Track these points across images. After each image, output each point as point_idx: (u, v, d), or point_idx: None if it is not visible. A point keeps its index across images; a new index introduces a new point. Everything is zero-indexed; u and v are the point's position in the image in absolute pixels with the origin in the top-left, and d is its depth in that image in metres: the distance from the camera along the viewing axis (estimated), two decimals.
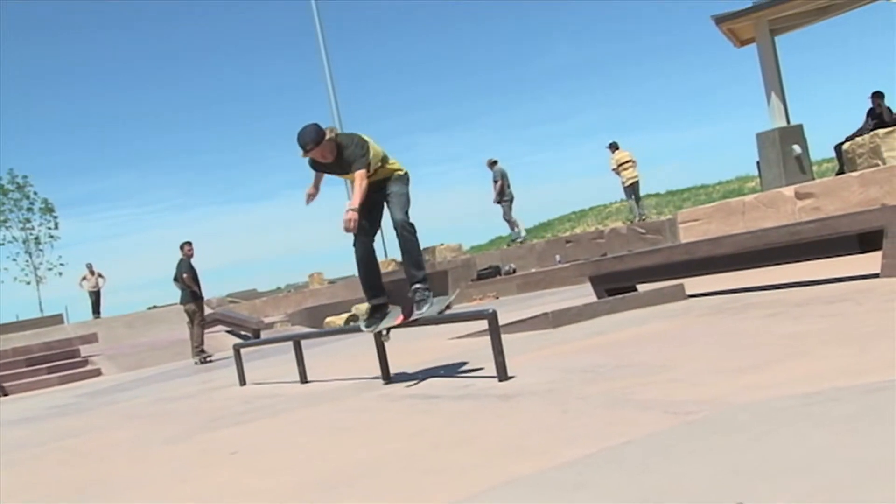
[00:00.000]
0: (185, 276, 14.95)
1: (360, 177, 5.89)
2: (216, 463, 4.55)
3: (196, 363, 14.94)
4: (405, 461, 3.68)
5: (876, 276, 6.85)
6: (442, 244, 23.52)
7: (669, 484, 2.57)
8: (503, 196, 21.52)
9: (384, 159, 6.22)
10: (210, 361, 14.98)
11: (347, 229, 5.90)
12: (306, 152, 5.94)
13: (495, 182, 21.59)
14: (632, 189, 21.26)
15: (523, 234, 22.50)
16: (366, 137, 6.11)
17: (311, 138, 5.91)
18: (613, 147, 21.30)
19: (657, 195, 28.42)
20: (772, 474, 2.44)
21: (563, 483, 2.83)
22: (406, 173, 6.29)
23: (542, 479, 2.91)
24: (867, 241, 7.18)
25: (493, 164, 21.71)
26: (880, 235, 6.95)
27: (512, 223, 22.23)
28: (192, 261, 15.18)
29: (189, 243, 15.12)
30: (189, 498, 3.79)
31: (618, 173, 21.19)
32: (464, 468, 3.34)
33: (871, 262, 7.02)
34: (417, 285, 6.16)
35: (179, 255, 15.25)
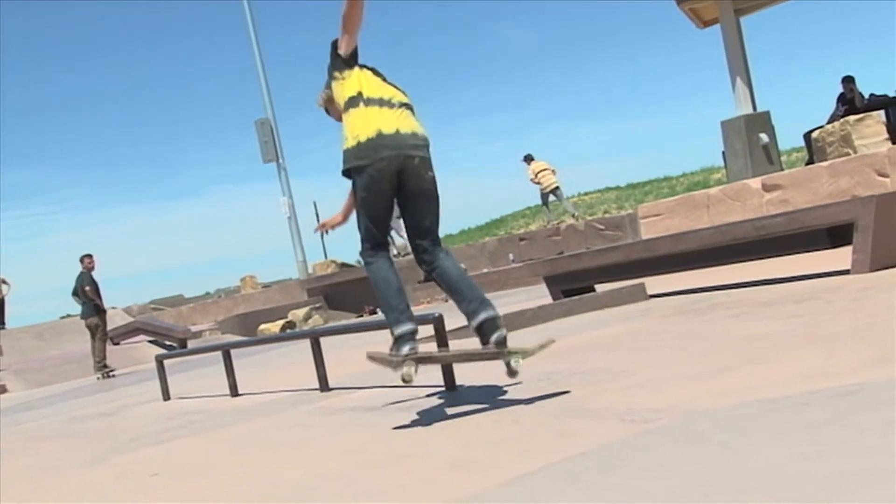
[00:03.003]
0: (87, 288, 15.56)
1: None
2: (134, 488, 4.47)
3: (98, 378, 15.38)
4: (340, 482, 3.65)
5: (846, 272, 7.01)
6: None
7: (628, 501, 2.58)
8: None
9: None
10: (113, 376, 15.44)
11: None
12: None
13: None
14: (552, 193, 22.50)
15: (404, 248, 23.06)
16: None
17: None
18: (528, 159, 22.88)
19: (617, 188, 28.77)
20: (734, 488, 2.47)
21: (512, 501, 2.83)
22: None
23: (489, 497, 2.91)
24: (837, 236, 7.34)
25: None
26: (850, 229, 7.11)
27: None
28: (94, 274, 15.80)
29: (90, 256, 15.77)
30: None
31: (537, 182, 22.59)
32: (404, 488, 3.32)
33: (841, 257, 7.18)
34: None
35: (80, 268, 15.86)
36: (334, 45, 4.56)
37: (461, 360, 4.87)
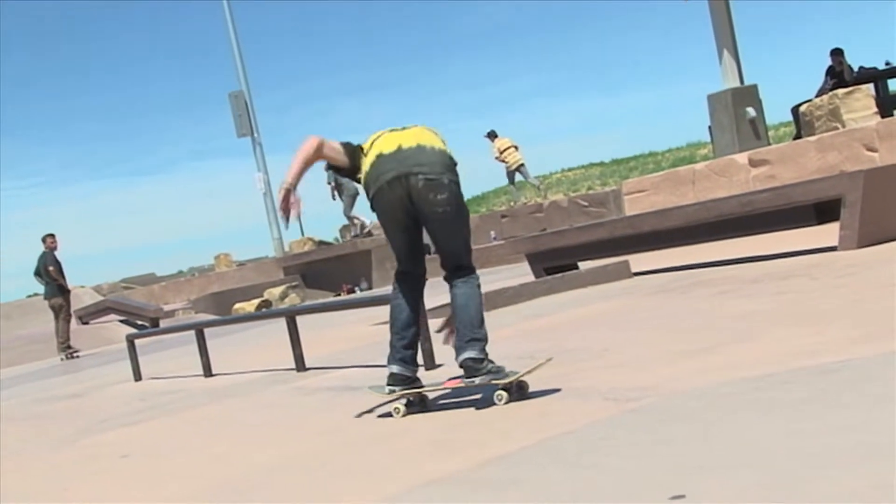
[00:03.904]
0: (50, 268, 15.69)
1: None
2: (104, 469, 4.47)
3: (62, 359, 15.45)
4: (316, 462, 3.66)
5: (833, 248, 7.06)
6: (318, 161, 23.41)
7: (608, 479, 2.60)
8: (341, 194, 22.44)
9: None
10: (77, 357, 15.47)
11: None
12: None
13: (328, 184, 22.63)
14: (518, 172, 22.51)
15: (367, 223, 23.12)
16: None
17: None
18: (492, 136, 22.91)
19: (601, 164, 28.80)
20: (717, 467, 2.49)
21: (493, 481, 2.84)
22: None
23: (469, 478, 2.92)
24: (824, 212, 7.38)
25: (327, 167, 22.54)
26: (838, 205, 7.16)
27: (352, 220, 22.88)
28: (56, 253, 15.76)
29: (52, 235, 15.75)
30: None
31: (502, 160, 22.55)
32: (382, 468, 3.33)
33: (828, 234, 7.23)
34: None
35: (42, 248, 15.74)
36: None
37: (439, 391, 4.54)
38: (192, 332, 8.26)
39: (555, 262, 9.41)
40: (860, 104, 11.97)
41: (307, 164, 4.38)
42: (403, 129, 4.25)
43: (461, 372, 4.12)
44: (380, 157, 4.12)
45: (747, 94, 14.45)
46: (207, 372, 7.72)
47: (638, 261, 8.84)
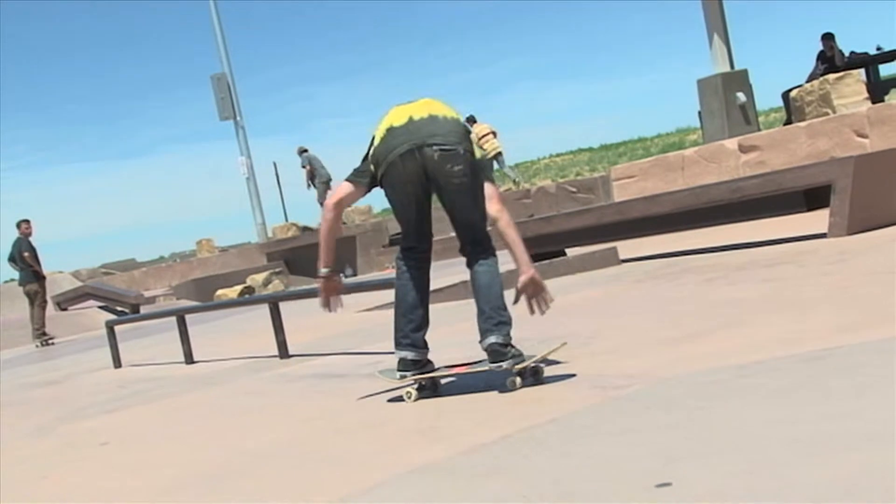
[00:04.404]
0: (26, 254, 15.79)
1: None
2: (83, 457, 4.47)
3: (37, 346, 15.54)
4: (300, 450, 3.67)
5: (823, 235, 7.10)
6: (349, 206, 23.39)
7: (592, 467, 2.62)
8: (314, 180, 22.51)
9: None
10: (52, 344, 15.52)
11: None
12: None
13: (303, 167, 22.72)
14: (495, 160, 22.51)
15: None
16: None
17: None
18: (471, 120, 22.79)
19: (590, 150, 28.85)
20: (704, 454, 2.51)
21: (476, 469, 2.86)
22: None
23: (453, 466, 2.94)
24: (814, 198, 7.42)
25: (302, 151, 22.97)
26: (827, 191, 7.20)
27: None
28: (31, 239, 15.84)
29: (27, 221, 15.81)
30: (46, 498, 3.71)
31: (479, 147, 22.41)
32: (366, 456, 3.35)
33: (818, 220, 7.27)
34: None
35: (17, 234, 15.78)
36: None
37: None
38: (173, 319, 8.24)
39: (542, 249, 9.41)
40: (851, 90, 12.03)
41: (331, 234, 4.30)
42: (411, 102, 4.16)
43: (469, 355, 4.06)
44: (390, 130, 4.01)
45: (737, 79, 14.48)
46: (189, 359, 7.71)
47: (626, 247, 8.87)
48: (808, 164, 8.64)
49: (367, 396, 4.46)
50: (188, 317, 8.12)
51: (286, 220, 24.27)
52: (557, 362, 4.25)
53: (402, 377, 4.15)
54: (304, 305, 9.03)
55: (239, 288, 19.03)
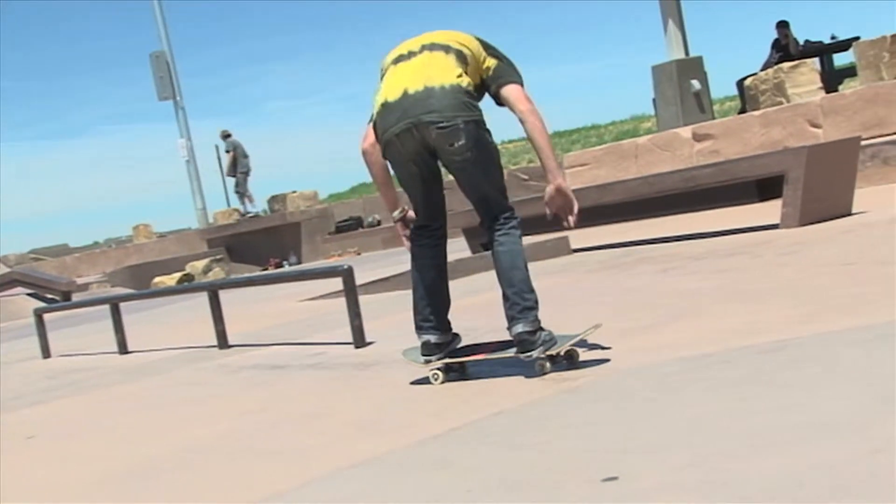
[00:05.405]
0: None
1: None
2: (8, 450, 4.37)
3: None
4: (237, 444, 3.62)
5: (775, 226, 7.20)
6: (294, 192, 23.22)
7: (539, 460, 2.61)
8: (237, 168, 22.51)
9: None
10: None
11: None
12: None
13: (227, 152, 22.69)
14: None
15: (258, 208, 23.13)
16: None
17: None
18: None
19: None
20: (653, 447, 2.52)
21: (422, 462, 2.84)
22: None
23: (396, 459, 2.92)
24: (766, 188, 7.53)
25: (226, 136, 22.89)
26: (780, 182, 7.29)
27: (245, 196, 22.92)
28: None
29: None
30: None
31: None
32: (306, 449, 3.31)
33: (771, 211, 7.36)
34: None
35: None
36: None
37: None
38: (106, 307, 8.11)
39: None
40: (805, 78, 12.20)
41: (384, 172, 4.07)
42: (410, 55, 3.90)
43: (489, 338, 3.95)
44: (385, 105, 3.81)
45: (692, 66, 14.63)
46: (123, 349, 7.60)
47: (578, 237, 8.90)
48: (762, 153, 8.75)
49: (308, 388, 4.43)
50: (123, 305, 8.00)
51: (228, 205, 24.06)
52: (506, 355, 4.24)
53: (427, 362, 4.03)
54: (245, 294, 8.95)
55: (178, 275, 18.84)
